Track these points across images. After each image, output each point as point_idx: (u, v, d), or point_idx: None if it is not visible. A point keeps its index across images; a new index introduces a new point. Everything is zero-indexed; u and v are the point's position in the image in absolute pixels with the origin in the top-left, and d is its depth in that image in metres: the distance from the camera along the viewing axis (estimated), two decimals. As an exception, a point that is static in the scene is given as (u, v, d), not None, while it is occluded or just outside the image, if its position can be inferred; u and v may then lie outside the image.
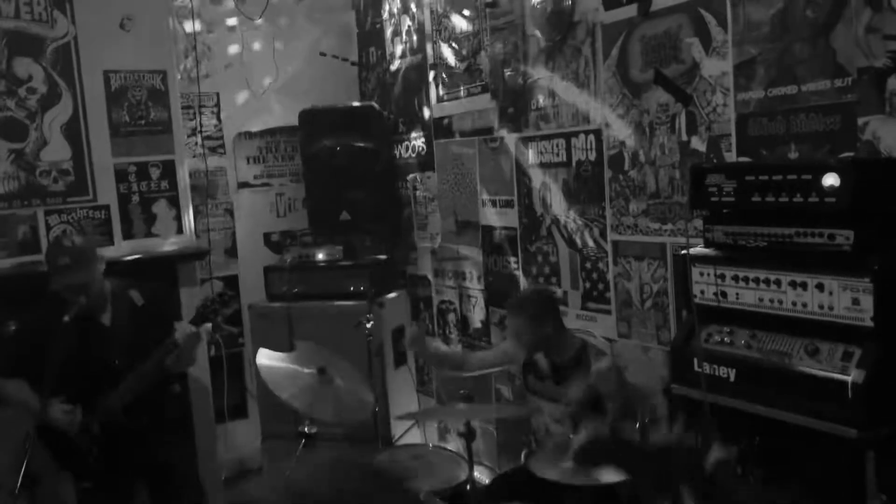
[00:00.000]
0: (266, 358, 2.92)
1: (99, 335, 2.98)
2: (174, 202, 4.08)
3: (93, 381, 2.91)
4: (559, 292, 3.43)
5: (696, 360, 2.25)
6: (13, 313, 3.44)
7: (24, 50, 3.66)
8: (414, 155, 4.46)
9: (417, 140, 4.42)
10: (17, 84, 3.66)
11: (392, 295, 4.33)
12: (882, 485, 1.86)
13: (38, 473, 2.63)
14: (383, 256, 4.41)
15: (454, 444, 3.79)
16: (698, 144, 2.75)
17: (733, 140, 2.62)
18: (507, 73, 3.65)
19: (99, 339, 2.97)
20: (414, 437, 4.16)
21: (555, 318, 2.96)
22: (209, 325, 3.04)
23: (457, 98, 4.04)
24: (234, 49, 4.50)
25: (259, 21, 4.50)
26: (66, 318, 2.77)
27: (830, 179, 1.95)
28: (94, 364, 2.92)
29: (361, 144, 4.32)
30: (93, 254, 2.99)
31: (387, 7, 4.56)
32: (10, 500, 2.57)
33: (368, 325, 3.44)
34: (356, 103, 4.65)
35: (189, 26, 4.28)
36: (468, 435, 2.45)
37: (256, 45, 4.56)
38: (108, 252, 3.56)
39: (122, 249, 3.87)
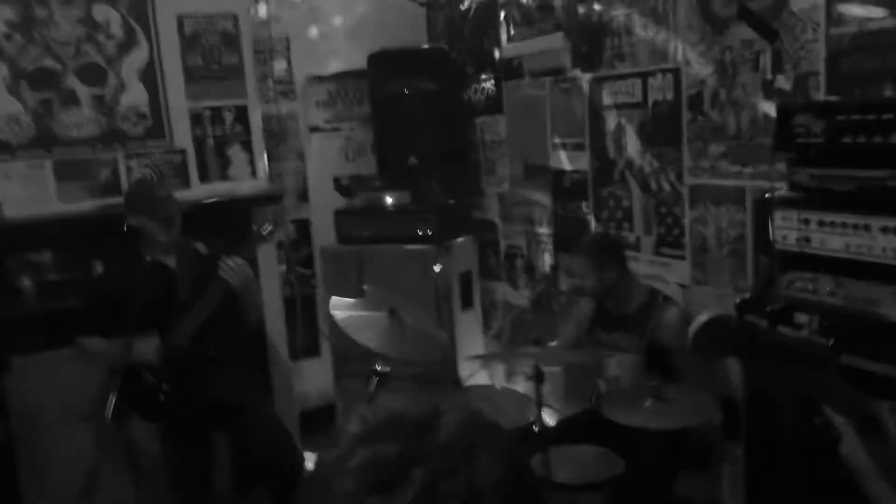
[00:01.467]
0: (337, 304, 2.96)
1: (170, 278, 3.07)
2: (247, 146, 4.15)
3: (164, 319, 2.99)
4: (631, 238, 3.37)
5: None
6: (98, 253, 3.61)
7: (102, -4, 3.73)
8: (483, 97, 4.40)
9: (487, 82, 4.35)
10: (96, 30, 3.74)
11: (460, 239, 4.34)
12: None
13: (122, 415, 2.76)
14: (451, 201, 4.40)
15: (522, 386, 3.82)
16: (783, 83, 2.62)
17: (822, 78, 2.49)
18: (581, 9, 3.53)
19: (171, 282, 3.06)
20: (482, 378, 4.20)
21: (619, 264, 2.92)
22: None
23: (528, 38, 3.94)
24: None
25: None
26: (147, 262, 2.88)
27: (931, 118, 1.84)
28: (159, 304, 3.00)
29: (430, 88, 4.28)
30: (173, 202, 3.12)
31: (456, -56, 4.45)
32: (103, 428, 2.71)
33: (437, 269, 3.47)
34: (425, 45, 4.59)
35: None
36: (537, 378, 2.46)
37: (325, -12, 4.52)
38: (185, 195, 3.67)
39: (199, 192, 3.97)
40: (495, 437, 0.84)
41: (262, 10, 4.32)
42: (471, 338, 4.38)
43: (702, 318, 2.02)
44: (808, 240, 2.16)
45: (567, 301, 3.88)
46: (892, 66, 2.28)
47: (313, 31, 4.53)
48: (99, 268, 3.58)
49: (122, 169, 3.85)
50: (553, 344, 3.18)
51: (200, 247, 3.20)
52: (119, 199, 3.39)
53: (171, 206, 3.05)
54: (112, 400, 2.81)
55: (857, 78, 2.38)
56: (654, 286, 3.03)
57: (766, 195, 2.27)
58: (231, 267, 2.94)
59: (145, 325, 2.94)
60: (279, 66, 4.47)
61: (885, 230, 1.97)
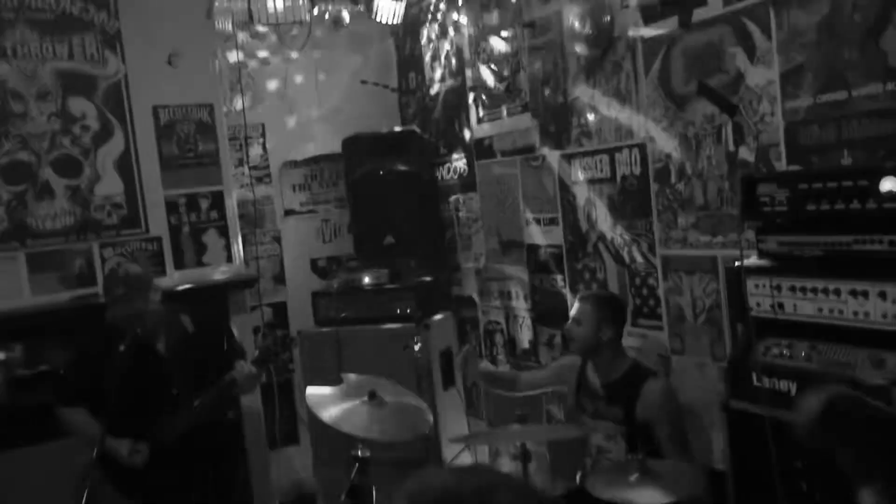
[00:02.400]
0: (315, 395, 2.92)
1: (155, 363, 3.04)
2: (223, 231, 4.17)
3: (151, 409, 2.96)
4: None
5: (754, 375, 2.20)
6: (71, 345, 3.54)
7: (78, 89, 3.80)
8: (456, 176, 4.48)
9: (459, 161, 4.44)
10: (72, 122, 3.79)
11: (438, 317, 4.33)
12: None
13: (99, 502, 2.67)
14: (428, 278, 4.42)
15: (507, 467, 3.75)
16: (747, 155, 2.71)
17: (783, 149, 2.57)
18: (547, 91, 3.65)
19: (156, 367, 3.03)
20: (466, 459, 4.12)
21: (618, 327, 2.94)
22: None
23: (497, 118, 4.06)
24: (277, 81, 4.59)
25: (300, 53, 4.60)
26: (122, 347, 2.83)
27: (888, 184, 1.90)
28: (151, 392, 2.98)
29: (404, 168, 4.36)
30: (147, 283, 3.07)
31: (425, 33, 4.62)
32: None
33: (416, 348, 3.44)
34: (398, 128, 4.70)
35: (233, 60, 4.39)
36: (524, 457, 2.43)
37: (298, 77, 4.65)
38: (161, 283, 3.64)
39: (175, 279, 3.96)
40: None
41: (238, 101, 4.41)
42: (454, 417, 4.32)
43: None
44: (781, 306, 2.19)
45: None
46: (847, 136, 2.37)
47: (289, 118, 4.63)
48: (76, 358, 3.49)
49: (96, 259, 3.84)
50: (526, 375, 3.21)
51: (187, 321, 3.15)
52: (94, 290, 3.37)
53: (132, 301, 2.95)
54: (84, 500, 2.71)
55: (815, 148, 2.46)
56: (638, 359, 3.04)
57: (736, 263, 2.31)
58: (245, 373, 2.94)
59: (126, 414, 2.88)
60: (255, 151, 4.54)
61: (854, 294, 2.01)
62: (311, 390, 2.92)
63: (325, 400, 2.84)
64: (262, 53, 4.55)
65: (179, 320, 3.14)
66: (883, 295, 1.93)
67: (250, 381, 3.01)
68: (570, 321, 2.98)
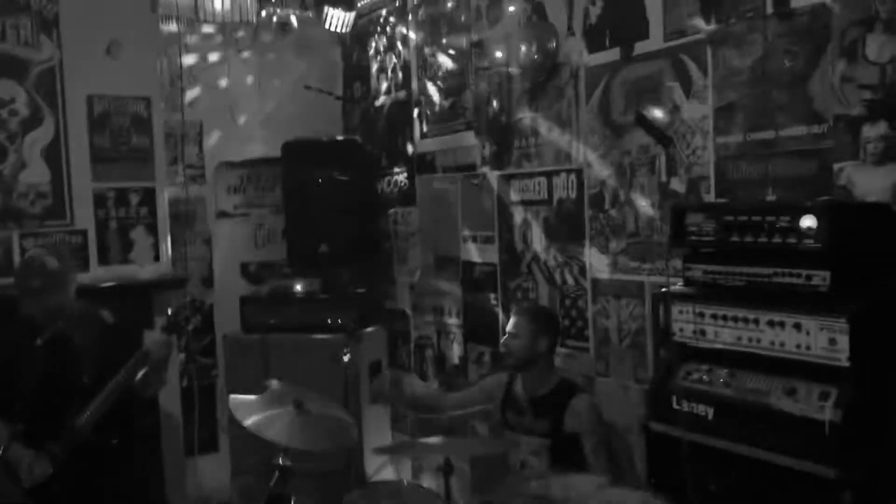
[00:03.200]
0: (238, 403, 2.85)
1: (69, 355, 2.90)
2: (152, 229, 4.05)
3: (61, 401, 2.82)
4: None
5: (674, 398, 2.26)
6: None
7: (8, 72, 3.65)
8: (396, 189, 4.48)
9: (400, 175, 4.44)
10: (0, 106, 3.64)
11: (370, 329, 4.30)
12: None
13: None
14: (361, 290, 4.39)
15: (429, 482, 3.73)
16: (678, 185, 2.80)
17: (712, 182, 2.67)
18: (491, 111, 3.70)
19: (70, 360, 2.90)
20: (388, 474, 4.09)
21: (552, 341, 2.99)
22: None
23: (440, 135, 4.09)
24: (219, 80, 4.52)
25: (246, 54, 4.54)
26: (39, 342, 2.72)
27: (808, 221, 1.99)
28: (63, 384, 2.85)
29: (343, 178, 4.33)
30: (66, 276, 2.94)
31: (373, 44, 4.63)
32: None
33: (346, 359, 3.41)
34: (339, 137, 4.67)
35: (175, 56, 4.30)
36: (447, 469, 2.42)
37: (242, 77, 4.58)
38: (83, 278, 3.51)
39: (98, 275, 3.82)
40: None
41: (177, 97, 4.32)
42: (379, 431, 4.29)
43: None
44: (703, 332, 2.27)
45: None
46: (773, 173, 2.48)
47: (228, 119, 4.55)
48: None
49: (15, 249, 3.68)
50: (454, 395, 3.20)
51: (106, 315, 3.04)
52: (10, 280, 3.21)
53: (49, 294, 2.83)
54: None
55: (742, 183, 2.57)
56: (566, 376, 3.09)
57: (662, 289, 2.38)
58: (156, 340, 2.84)
59: (40, 408, 2.76)
60: (191, 150, 4.44)
61: (771, 324, 2.09)
62: (235, 398, 2.86)
63: (248, 405, 2.78)
64: (206, 51, 4.48)
65: (98, 314, 3.03)
66: (798, 326, 2.02)
67: (162, 350, 2.88)
68: (506, 336, 3.02)
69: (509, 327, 3.02)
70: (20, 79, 3.68)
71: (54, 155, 3.77)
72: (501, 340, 3.05)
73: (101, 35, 3.86)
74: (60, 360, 2.86)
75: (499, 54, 3.59)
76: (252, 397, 2.86)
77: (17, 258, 3.65)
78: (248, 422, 2.67)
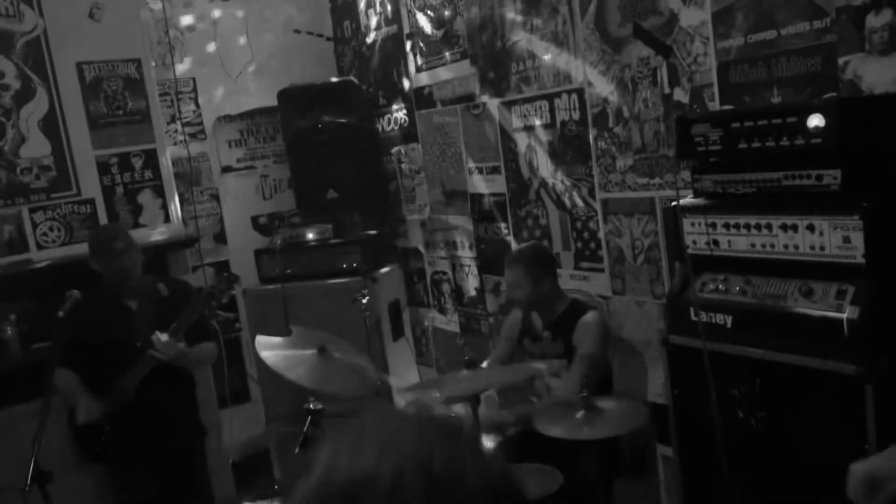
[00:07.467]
0: (265, 344, 2.92)
1: (124, 317, 3.03)
2: (159, 191, 4.06)
3: (112, 361, 2.94)
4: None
5: (692, 310, 2.27)
6: (4, 313, 3.43)
7: (-6, 46, 3.61)
8: (397, 127, 4.44)
9: (399, 112, 4.39)
10: (-10, 82, 3.61)
11: (385, 269, 4.33)
12: (880, 419, 1.89)
13: (49, 471, 2.62)
14: (373, 231, 4.40)
15: (458, 411, 3.81)
16: (681, 96, 2.75)
17: (716, 89, 2.62)
18: (485, 37, 3.62)
19: (124, 321, 3.02)
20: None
21: (551, 275, 2.99)
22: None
23: (436, 66, 4.01)
24: (207, 33, 4.44)
25: (232, 3, 4.44)
26: (61, 314, 2.76)
27: (815, 120, 1.96)
28: (115, 345, 2.97)
29: (343, 120, 4.28)
30: (136, 243, 3.09)
31: (359, -21, 4.50)
32: (21, 497, 2.57)
33: (364, 301, 3.45)
34: (334, 79, 4.60)
35: (160, 12, 4.21)
36: (474, 401, 2.47)
37: (230, 28, 4.50)
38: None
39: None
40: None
41: (167, 56, 4.25)
42: (405, 367, 4.36)
43: None
44: (716, 242, 2.26)
45: (495, 321, 3.92)
46: (777, 74, 2.42)
47: (220, 72, 4.48)
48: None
49: (27, 224, 3.70)
50: (485, 364, 3.19)
51: (162, 287, 3.15)
52: (26, 256, 3.25)
53: (128, 256, 2.98)
54: (31, 470, 2.66)
55: (746, 87, 2.52)
56: (577, 297, 3.10)
57: (672, 203, 2.36)
58: (158, 347, 2.90)
59: (105, 366, 2.93)
60: (187, 108, 4.40)
61: (784, 228, 2.08)
62: (262, 339, 2.92)
63: (275, 349, 2.85)
64: (191, 4, 4.38)
65: (154, 284, 3.15)
66: (811, 228, 2.01)
67: (165, 350, 2.96)
68: (507, 288, 3.02)
69: (508, 279, 3.02)
70: (6, 52, 3.63)
71: (52, 126, 3.75)
72: (506, 293, 3.05)
73: (82, 0, 3.78)
74: (113, 319, 3.01)
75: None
76: (278, 339, 2.94)
77: (29, 233, 3.68)
78: (276, 365, 2.74)
